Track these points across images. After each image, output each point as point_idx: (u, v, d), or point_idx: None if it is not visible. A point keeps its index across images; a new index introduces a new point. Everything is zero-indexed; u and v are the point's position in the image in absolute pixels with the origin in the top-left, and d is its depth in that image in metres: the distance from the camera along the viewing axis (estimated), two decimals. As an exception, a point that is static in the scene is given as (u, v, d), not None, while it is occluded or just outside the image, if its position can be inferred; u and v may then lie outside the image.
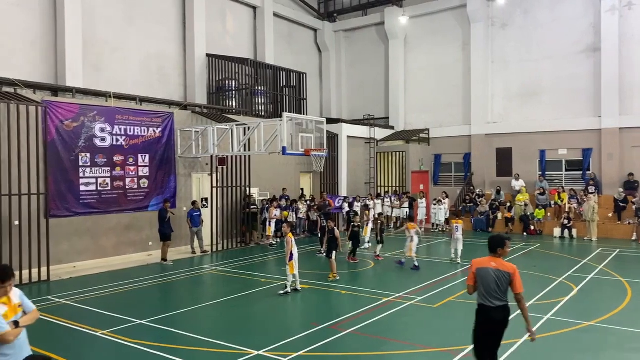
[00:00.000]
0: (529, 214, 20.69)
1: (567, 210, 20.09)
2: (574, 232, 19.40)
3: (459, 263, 14.11)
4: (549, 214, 20.86)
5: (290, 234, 11.16)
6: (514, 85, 23.27)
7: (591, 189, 20.25)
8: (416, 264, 13.52)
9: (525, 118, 22.83)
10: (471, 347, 7.49)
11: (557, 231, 19.76)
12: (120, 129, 15.30)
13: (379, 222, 15.77)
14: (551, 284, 11.62)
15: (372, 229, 16.96)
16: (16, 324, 4.62)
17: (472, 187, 23.81)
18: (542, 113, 22.41)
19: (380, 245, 15.31)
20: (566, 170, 22.24)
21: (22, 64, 15.50)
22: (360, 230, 15.56)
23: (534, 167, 22.65)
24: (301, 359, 7.19)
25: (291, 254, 10.87)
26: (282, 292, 10.87)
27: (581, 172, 21.66)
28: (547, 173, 22.30)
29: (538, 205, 20.88)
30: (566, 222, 19.49)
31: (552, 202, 21.08)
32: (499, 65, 23.67)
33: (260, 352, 7.40)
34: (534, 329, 8.26)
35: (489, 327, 5.86)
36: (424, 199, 22.49)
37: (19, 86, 13.83)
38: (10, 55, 15.27)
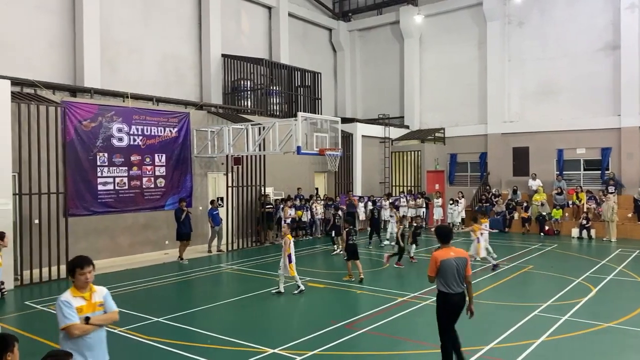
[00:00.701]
0: (545, 213, 20.44)
1: (585, 210, 19.81)
2: (593, 232, 19.12)
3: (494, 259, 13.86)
4: (566, 214, 20.59)
5: (289, 235, 11.01)
6: (531, 83, 23.00)
7: (610, 188, 19.94)
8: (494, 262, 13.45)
9: (543, 117, 22.56)
10: (487, 347, 7.47)
11: (575, 231, 19.49)
12: (137, 129, 15.47)
13: (414, 224, 15.23)
14: (569, 285, 11.47)
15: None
16: (87, 320, 4.44)
17: (488, 187, 23.61)
18: (559, 112, 22.12)
19: (414, 246, 14.78)
20: (584, 170, 21.93)
21: (42, 65, 15.76)
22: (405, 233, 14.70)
23: (552, 167, 22.37)
24: (316, 358, 7.21)
25: (290, 256, 10.75)
26: (296, 291, 10.88)
27: (600, 172, 21.34)
28: (564, 172, 22.01)
29: (555, 205, 20.63)
30: (584, 222, 19.22)
31: (570, 202, 20.80)
32: (515, 64, 23.42)
33: (276, 350, 7.43)
34: (552, 330, 8.23)
35: (452, 311, 6.42)
36: (440, 199, 22.35)
37: (39, 87, 14.07)
38: (31, 57, 15.53)
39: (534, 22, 22.86)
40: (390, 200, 20.35)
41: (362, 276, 11.93)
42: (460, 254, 6.39)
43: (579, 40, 21.66)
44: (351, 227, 12.24)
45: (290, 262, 10.80)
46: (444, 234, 6.53)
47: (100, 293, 4.67)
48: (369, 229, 18.48)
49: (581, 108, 21.61)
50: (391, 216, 18.36)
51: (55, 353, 3.75)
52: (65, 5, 16.46)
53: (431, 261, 6.36)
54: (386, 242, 17.64)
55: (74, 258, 4.69)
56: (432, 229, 21.71)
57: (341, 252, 15.27)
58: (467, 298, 6.42)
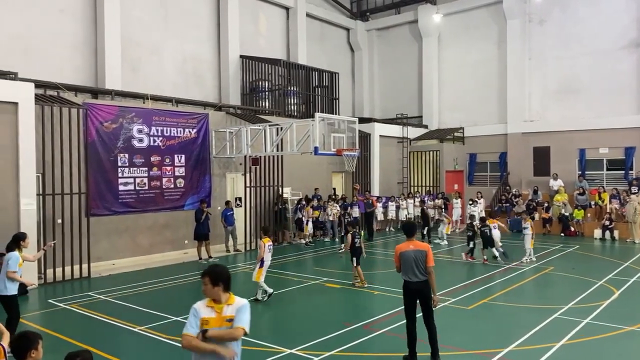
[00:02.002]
0: (567, 214, 20.11)
1: (608, 211, 19.43)
2: (616, 233, 18.73)
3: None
4: (589, 215, 20.22)
5: (265, 239, 10.61)
6: (552, 82, 22.65)
7: (634, 189, 19.52)
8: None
9: (564, 116, 22.19)
10: (506, 350, 7.41)
11: (597, 232, 19.14)
12: (157, 130, 15.67)
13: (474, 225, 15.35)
14: (591, 287, 11.27)
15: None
16: (204, 334, 3.95)
17: (508, 187, 23.32)
18: (581, 111, 21.73)
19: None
20: (607, 170, 21.51)
21: (65, 68, 16.04)
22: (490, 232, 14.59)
23: (573, 167, 22.00)
24: (333, 359, 7.22)
25: (262, 261, 10.38)
26: (260, 297, 10.41)
27: (623, 172, 20.92)
28: (586, 172, 21.63)
29: (577, 205, 20.27)
30: (607, 223, 18.85)
31: (593, 203, 20.42)
32: (536, 62, 23.08)
33: (293, 351, 7.47)
34: (573, 333, 8.10)
35: (413, 297, 7.03)
36: (459, 199, 22.15)
37: (62, 89, 14.35)
38: (54, 60, 15.81)
39: (555, 20, 22.50)
40: (438, 202, 20.35)
41: (364, 284, 11.50)
42: (419, 247, 7.02)
43: (601, 38, 21.25)
44: (354, 230, 12.12)
45: (261, 266, 10.37)
46: (407, 228, 7.30)
47: (236, 306, 4.09)
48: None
49: (604, 107, 21.19)
50: (441, 220, 18.47)
51: (79, 353, 3.80)
52: (87, 9, 16.73)
53: (394, 254, 7.20)
54: (437, 241, 17.85)
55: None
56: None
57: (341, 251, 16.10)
58: (426, 287, 6.97)
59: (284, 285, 11.90)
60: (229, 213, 16.48)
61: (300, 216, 18.41)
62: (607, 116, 21.00)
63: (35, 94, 12.38)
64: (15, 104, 11.72)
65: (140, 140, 15.26)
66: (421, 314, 7.05)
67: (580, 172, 21.63)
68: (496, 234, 14.56)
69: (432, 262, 6.97)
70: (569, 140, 21.93)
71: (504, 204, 22.22)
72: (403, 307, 7.24)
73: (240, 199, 17.66)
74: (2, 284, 7.71)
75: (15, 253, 7.86)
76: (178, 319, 9.20)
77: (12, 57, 14.45)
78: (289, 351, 7.46)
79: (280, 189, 18.13)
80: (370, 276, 12.58)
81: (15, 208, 11.64)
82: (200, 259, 15.12)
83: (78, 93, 14.95)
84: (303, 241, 18.38)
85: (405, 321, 7.16)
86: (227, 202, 16.77)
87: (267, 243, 10.59)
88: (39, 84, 13.40)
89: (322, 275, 12.84)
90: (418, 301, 7.04)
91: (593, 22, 21.46)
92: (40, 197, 12.46)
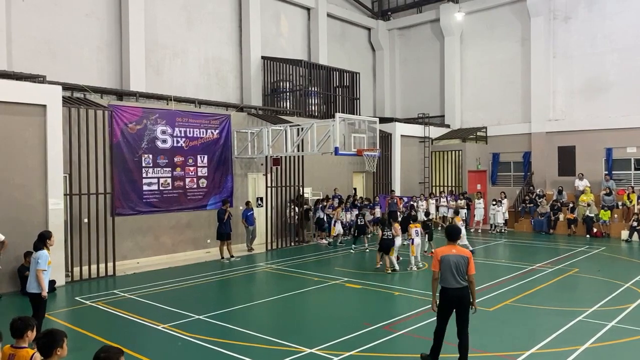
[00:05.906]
0: (592, 215, 19.69)
1: (636, 211, 18.97)
2: (644, 235, 18.29)
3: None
4: (615, 216, 19.77)
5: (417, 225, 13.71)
6: (578, 80, 22.20)
7: (663, 189, 19.04)
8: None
9: (590, 115, 21.73)
10: (528, 352, 7.32)
11: (624, 234, 18.70)
12: (180, 131, 15.90)
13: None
14: (617, 290, 11.04)
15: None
16: None
17: (532, 187, 22.97)
18: (608, 109, 21.25)
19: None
20: (635, 170, 20.99)
21: (91, 70, 16.41)
22: None
23: (599, 166, 21.52)
24: (352, 359, 7.24)
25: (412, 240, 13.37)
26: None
27: (652, 172, 20.41)
28: (613, 172, 21.15)
29: (604, 206, 19.84)
30: (635, 224, 18.40)
31: (620, 203, 19.96)
32: (561, 60, 22.66)
33: (313, 350, 7.51)
34: (597, 336, 7.96)
35: (451, 304, 6.72)
36: (482, 200, 21.91)
37: (88, 91, 14.68)
38: (81, 63, 16.19)
39: (581, 17, 22.05)
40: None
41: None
42: (461, 252, 6.71)
43: (629, 34, 20.74)
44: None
45: (412, 243, 13.46)
46: (450, 232, 6.98)
47: None
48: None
49: (632, 105, 20.67)
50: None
51: (107, 349, 3.86)
52: (112, 13, 17.07)
53: (434, 257, 6.85)
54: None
55: None
56: (472, 230, 21.43)
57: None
58: (466, 294, 6.70)
59: (304, 284, 11.95)
60: (249, 213, 16.66)
61: (322, 216, 18.47)
62: (635, 114, 20.48)
63: (63, 96, 12.68)
64: (44, 106, 12.04)
65: (164, 141, 15.50)
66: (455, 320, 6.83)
67: (607, 172, 21.17)
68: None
69: (474, 270, 6.70)
70: (595, 139, 21.47)
71: (527, 205, 21.90)
72: (429, 308, 7.10)
73: (261, 198, 17.79)
74: (33, 282, 7.93)
75: (45, 252, 8.07)
76: (200, 317, 9.34)
77: (40, 61, 14.86)
78: (309, 350, 7.50)
79: (301, 189, 18.20)
80: (392, 277, 12.57)
81: (43, 208, 11.95)
82: (223, 258, 15.30)
83: (103, 95, 15.26)
84: (324, 241, 18.41)
85: (435, 323, 6.98)
86: (247, 203, 16.93)
87: (414, 228, 13.69)
88: (66, 87, 13.72)
89: (342, 275, 12.85)
90: (455, 309, 6.76)
91: (620, 18, 20.96)
92: (67, 197, 12.77)
